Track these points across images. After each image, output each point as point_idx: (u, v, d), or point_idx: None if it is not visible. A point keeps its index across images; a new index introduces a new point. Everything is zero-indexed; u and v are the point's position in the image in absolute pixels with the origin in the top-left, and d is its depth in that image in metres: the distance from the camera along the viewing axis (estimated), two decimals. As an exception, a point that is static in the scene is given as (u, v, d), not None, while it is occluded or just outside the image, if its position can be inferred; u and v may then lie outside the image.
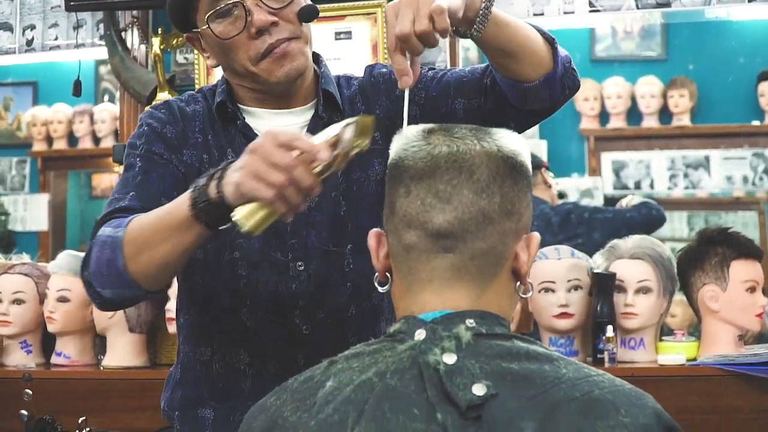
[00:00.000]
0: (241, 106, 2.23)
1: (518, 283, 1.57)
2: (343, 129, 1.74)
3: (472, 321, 1.48)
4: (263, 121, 2.20)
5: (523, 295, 1.58)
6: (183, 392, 2.28)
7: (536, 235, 1.57)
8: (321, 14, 2.20)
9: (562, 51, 2.12)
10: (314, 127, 2.14)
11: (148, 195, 2.10)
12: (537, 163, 5.03)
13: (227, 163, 1.83)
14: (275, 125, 2.16)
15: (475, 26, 1.98)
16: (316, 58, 2.30)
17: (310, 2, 2.19)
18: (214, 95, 2.26)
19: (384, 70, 2.33)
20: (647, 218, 5.15)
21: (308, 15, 2.15)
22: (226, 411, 2.22)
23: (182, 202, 1.87)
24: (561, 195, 5.40)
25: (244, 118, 2.21)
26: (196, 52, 3.77)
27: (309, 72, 2.22)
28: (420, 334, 1.47)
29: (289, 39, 2.12)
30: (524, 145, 1.59)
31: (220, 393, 2.22)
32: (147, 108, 2.38)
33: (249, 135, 2.18)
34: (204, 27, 2.12)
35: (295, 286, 2.17)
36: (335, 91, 2.25)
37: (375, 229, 1.62)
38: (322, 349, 2.02)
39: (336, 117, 2.18)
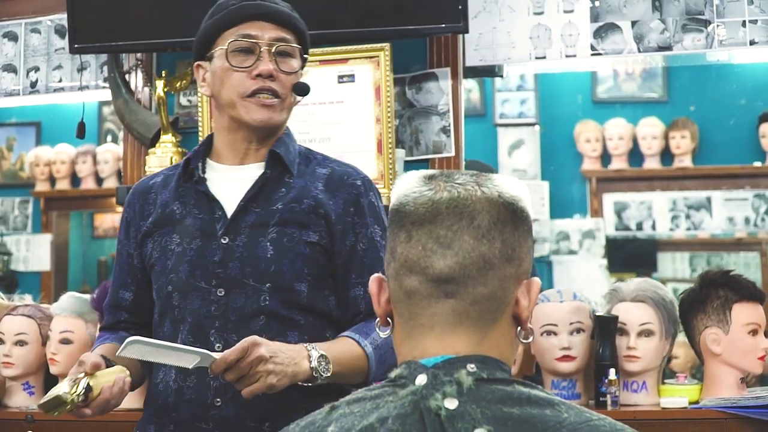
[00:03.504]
0: (210, 161, 2.64)
1: (519, 328, 1.57)
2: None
3: (473, 366, 1.48)
4: (221, 175, 2.61)
5: (524, 341, 1.58)
6: (144, 413, 2.66)
7: (537, 281, 1.58)
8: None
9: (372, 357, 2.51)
10: (260, 183, 2.57)
11: (113, 291, 2.71)
12: None
13: None
14: (230, 178, 2.59)
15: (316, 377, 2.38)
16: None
17: (306, 83, 2.60)
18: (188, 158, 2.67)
19: (361, 183, 2.64)
20: None
21: (301, 89, 2.59)
22: (161, 426, 2.57)
23: None
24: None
25: (202, 174, 2.61)
26: (199, 95, 3.80)
27: (275, 136, 2.62)
28: (421, 380, 1.47)
29: (276, 95, 2.54)
30: (525, 191, 1.60)
31: (159, 409, 2.55)
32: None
33: (200, 189, 2.59)
34: (222, 48, 2.53)
35: (214, 309, 2.50)
36: (284, 154, 2.60)
37: (376, 275, 1.63)
38: (292, 400, 2.43)
39: (285, 176, 2.59)
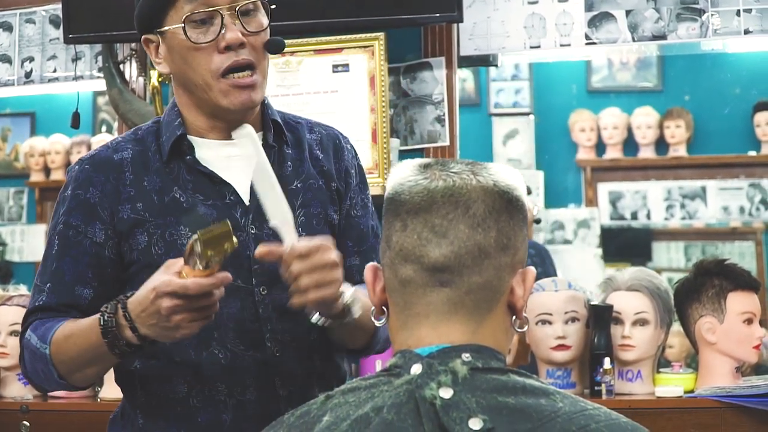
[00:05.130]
0: (191, 137, 2.26)
1: (514, 317, 1.57)
2: (194, 242, 1.87)
3: (468, 355, 1.48)
4: (213, 152, 2.25)
5: (519, 330, 1.58)
6: None
7: (532, 270, 1.58)
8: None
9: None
10: (270, 159, 2.20)
11: (62, 288, 2.20)
12: None
13: (124, 300, 2.01)
14: (224, 155, 2.24)
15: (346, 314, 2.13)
16: None
17: (280, 38, 2.25)
18: (156, 133, 2.29)
19: (350, 146, 2.43)
20: None
21: (275, 46, 2.23)
22: None
23: (99, 344, 2.04)
24: (537, 221, 5.22)
25: (193, 152, 2.24)
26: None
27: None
28: (416, 369, 1.47)
29: (252, 68, 2.18)
30: (520, 180, 1.60)
31: (202, 428, 2.19)
32: (74, 160, 2.51)
33: (197, 168, 2.23)
34: (177, 26, 2.15)
35: (261, 311, 2.18)
36: (281, 118, 2.32)
37: (371, 263, 1.63)
38: (295, 372, 2.20)
39: (284, 146, 2.30)
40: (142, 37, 2.25)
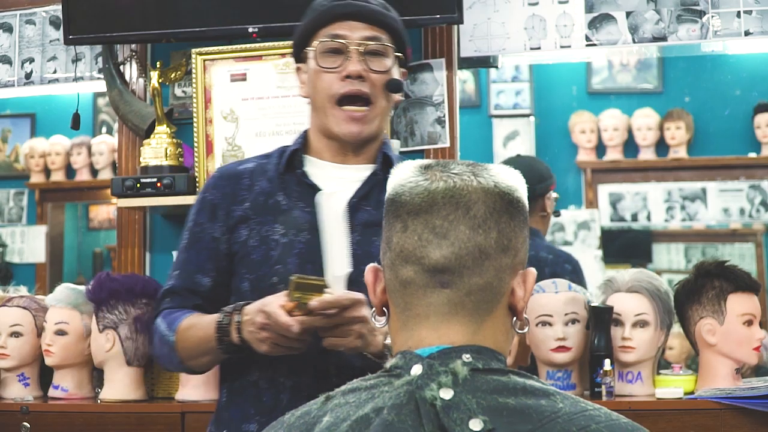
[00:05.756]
0: (309, 156, 2.58)
1: (514, 318, 1.57)
2: (290, 280, 2.24)
3: (468, 356, 1.48)
4: (323, 171, 2.55)
5: (520, 331, 1.58)
6: (230, 413, 2.54)
7: (532, 271, 1.58)
8: None
9: None
10: (369, 182, 2.53)
11: (186, 275, 2.57)
12: (545, 189, 4.77)
13: (243, 305, 2.36)
14: (334, 176, 2.54)
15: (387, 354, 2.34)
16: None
17: (401, 79, 2.56)
18: (281, 151, 2.61)
19: None
20: None
21: (394, 86, 2.53)
22: (267, 423, 2.35)
23: (212, 338, 2.40)
24: (556, 214, 5.13)
25: (303, 167, 2.55)
26: (194, 86, 3.79)
27: (376, 138, 2.58)
28: (417, 369, 1.47)
29: (367, 101, 2.48)
30: (521, 180, 1.60)
31: (265, 408, 2.45)
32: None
33: (305, 182, 2.53)
34: (312, 50, 2.50)
35: None
36: (395, 158, 2.55)
37: (372, 264, 1.63)
38: (352, 363, 2.37)
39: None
40: (296, 66, 2.62)
